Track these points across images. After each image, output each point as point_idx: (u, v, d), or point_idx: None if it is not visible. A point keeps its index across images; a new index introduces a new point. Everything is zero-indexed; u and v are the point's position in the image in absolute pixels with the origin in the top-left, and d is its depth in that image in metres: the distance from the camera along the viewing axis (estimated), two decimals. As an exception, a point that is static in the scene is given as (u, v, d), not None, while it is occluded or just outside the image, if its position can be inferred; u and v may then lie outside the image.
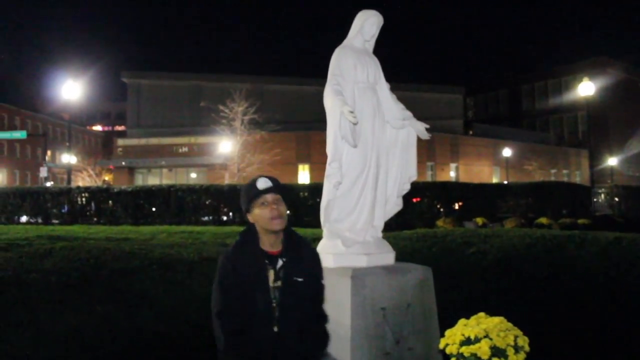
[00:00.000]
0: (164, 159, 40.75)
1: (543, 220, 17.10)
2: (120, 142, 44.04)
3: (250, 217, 2.69)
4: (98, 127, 78.15)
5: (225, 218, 19.15)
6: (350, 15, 4.14)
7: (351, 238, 3.86)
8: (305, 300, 2.57)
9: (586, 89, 24.78)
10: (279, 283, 2.55)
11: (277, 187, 2.66)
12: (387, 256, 3.98)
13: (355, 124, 3.69)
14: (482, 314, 3.24)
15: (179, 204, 19.07)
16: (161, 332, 5.53)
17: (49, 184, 33.39)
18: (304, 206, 17.72)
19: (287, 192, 2.76)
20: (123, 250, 8.46)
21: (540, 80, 61.17)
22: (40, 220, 19.48)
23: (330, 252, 3.80)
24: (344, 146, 3.78)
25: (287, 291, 2.54)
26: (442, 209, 19.82)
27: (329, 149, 3.77)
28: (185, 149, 41.19)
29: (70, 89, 24.81)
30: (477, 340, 2.98)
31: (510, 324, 3.08)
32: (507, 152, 42.02)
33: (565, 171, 51.40)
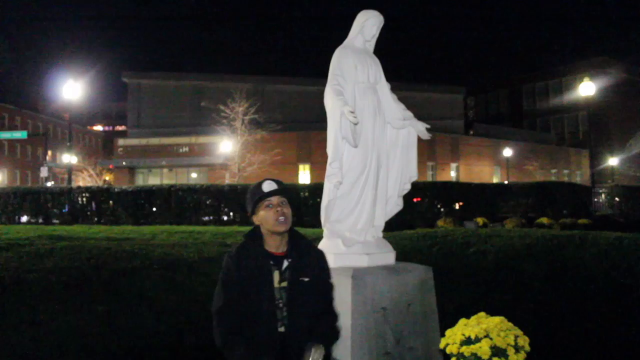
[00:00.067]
0: (164, 159, 40.76)
1: (543, 220, 17.11)
2: (121, 142, 44.04)
3: (256, 219, 2.71)
4: (99, 127, 78.19)
5: (225, 218, 19.18)
6: (351, 15, 4.14)
7: (352, 238, 3.86)
8: (313, 300, 2.59)
9: (587, 89, 24.78)
10: (284, 284, 2.58)
11: (283, 190, 2.69)
12: (388, 256, 3.99)
13: (355, 124, 3.69)
14: (482, 313, 3.25)
15: (179, 204, 19.09)
16: (161, 332, 5.53)
17: (49, 184, 33.44)
18: (305, 206, 17.73)
19: (292, 194, 2.78)
20: (123, 250, 8.47)
21: (541, 80, 61.12)
22: (40, 220, 19.50)
23: (331, 252, 3.80)
24: (345, 146, 3.78)
25: (293, 291, 2.57)
26: (442, 209, 19.84)
27: (330, 149, 3.78)
28: (185, 149, 41.20)
29: (71, 89, 24.82)
30: (478, 340, 2.98)
31: (510, 324, 3.09)
32: (507, 152, 42.00)
33: (565, 171, 51.37)
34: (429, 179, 38.98)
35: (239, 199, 18.62)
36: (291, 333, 2.53)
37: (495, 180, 44.06)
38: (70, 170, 28.21)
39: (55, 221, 19.37)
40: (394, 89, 4.17)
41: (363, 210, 3.87)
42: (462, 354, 2.99)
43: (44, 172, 29.10)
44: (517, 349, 2.96)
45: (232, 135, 31.67)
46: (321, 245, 3.90)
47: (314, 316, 2.58)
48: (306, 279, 2.59)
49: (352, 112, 3.58)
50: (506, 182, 33.92)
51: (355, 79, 3.90)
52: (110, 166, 42.84)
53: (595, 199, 24.96)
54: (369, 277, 3.59)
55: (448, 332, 3.16)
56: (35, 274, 6.60)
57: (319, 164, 32.99)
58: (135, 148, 42.07)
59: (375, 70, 4.00)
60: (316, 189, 18.03)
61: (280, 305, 2.55)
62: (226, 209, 19.29)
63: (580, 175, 50.98)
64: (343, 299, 3.48)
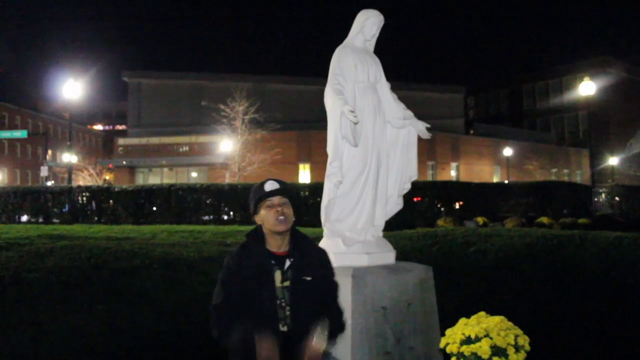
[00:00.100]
0: (164, 158, 40.78)
1: (544, 219, 17.10)
2: (121, 141, 44.05)
3: (257, 219, 2.72)
4: (99, 127, 78.17)
5: (225, 217, 19.18)
6: (351, 14, 4.14)
7: (352, 237, 3.86)
8: (316, 299, 2.60)
9: (587, 88, 24.79)
10: (287, 283, 2.58)
11: (284, 190, 2.70)
12: (388, 255, 3.99)
13: (356, 123, 3.69)
14: (482, 313, 3.24)
15: (179, 203, 19.10)
16: (162, 331, 5.53)
17: (49, 183, 33.45)
18: (305, 205, 17.73)
19: (294, 195, 2.79)
20: (124, 249, 8.47)
21: (541, 79, 61.11)
22: (41, 220, 19.50)
23: (331, 252, 3.79)
24: (345, 146, 3.78)
25: (296, 291, 2.57)
26: (442, 209, 19.84)
27: (330, 149, 3.78)
28: (186, 148, 41.20)
29: (71, 88, 24.83)
30: (478, 339, 2.98)
31: (510, 323, 3.08)
32: (507, 151, 42.01)
33: (566, 171, 51.37)
34: (429, 178, 38.99)
35: (239, 199, 18.63)
36: (295, 332, 2.54)
37: (495, 179, 44.07)
38: (70, 169, 28.23)
39: (55, 220, 19.37)
40: (394, 89, 4.17)
41: (363, 210, 3.87)
42: (462, 353, 2.99)
43: (44, 171, 29.11)
44: (517, 348, 2.96)
45: (232, 134, 31.68)
46: (321, 245, 3.90)
47: (317, 315, 2.58)
48: (308, 278, 2.60)
49: (352, 112, 3.58)
50: (506, 181, 33.92)
51: (356, 79, 3.89)
52: (110, 165, 42.86)
53: (595, 199, 24.96)
54: (369, 277, 3.59)
55: (448, 332, 3.16)
56: (35, 274, 6.60)
57: (319, 164, 32.97)
58: (136, 147, 42.07)
59: (375, 69, 4.00)
60: (316, 189, 18.03)
61: (283, 304, 2.56)
62: (226, 209, 19.29)
63: (581, 175, 51.00)
64: (343, 299, 3.47)
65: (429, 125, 4.10)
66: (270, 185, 2.69)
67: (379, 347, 3.51)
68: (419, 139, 4.14)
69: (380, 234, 4.05)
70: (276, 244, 2.67)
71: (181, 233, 12.66)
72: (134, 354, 5.01)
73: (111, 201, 19.61)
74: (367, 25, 4.03)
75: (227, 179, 30.86)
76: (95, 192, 20.08)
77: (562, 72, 58.49)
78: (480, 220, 17.15)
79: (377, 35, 4.13)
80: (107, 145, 60.99)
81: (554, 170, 49.04)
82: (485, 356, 2.91)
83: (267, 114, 32.09)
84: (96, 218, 19.32)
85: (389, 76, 4.13)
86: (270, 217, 2.63)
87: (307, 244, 2.74)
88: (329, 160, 3.75)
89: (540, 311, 6.12)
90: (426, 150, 38.96)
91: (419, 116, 4.13)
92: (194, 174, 41.47)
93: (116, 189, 19.99)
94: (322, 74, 4.11)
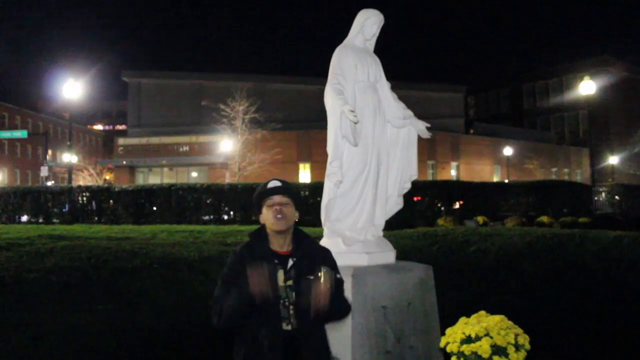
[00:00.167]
0: (164, 158, 40.76)
1: (544, 218, 17.09)
2: (121, 141, 44.04)
3: (261, 218, 2.74)
4: (99, 126, 78.18)
5: (226, 217, 19.17)
6: (352, 14, 4.14)
7: (352, 237, 3.86)
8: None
9: (587, 87, 24.77)
10: (290, 282, 2.60)
11: (285, 189, 2.70)
12: (388, 255, 3.99)
13: (356, 123, 3.69)
14: (482, 312, 3.24)
15: (179, 203, 19.09)
16: (162, 331, 5.53)
17: (49, 183, 33.45)
18: (305, 205, 17.73)
19: (297, 195, 2.79)
20: (124, 249, 8.46)
21: (542, 79, 61.08)
22: (41, 220, 19.49)
23: (331, 251, 3.80)
24: (345, 145, 3.78)
25: (299, 290, 2.58)
26: (442, 208, 19.83)
27: (330, 148, 3.78)
28: (186, 148, 41.20)
29: (71, 88, 24.83)
30: (478, 338, 2.98)
31: (511, 322, 3.09)
32: (508, 150, 42.00)
33: (566, 170, 51.35)
34: (429, 177, 38.97)
35: (239, 198, 18.62)
36: (300, 331, 2.56)
37: (495, 179, 44.06)
38: (70, 169, 28.23)
39: (55, 220, 19.36)
40: (394, 88, 4.17)
41: (363, 209, 3.87)
42: (462, 352, 2.99)
43: (44, 171, 29.09)
44: (518, 347, 2.96)
45: (233, 134, 31.67)
46: (321, 244, 3.91)
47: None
48: (311, 277, 2.61)
49: (352, 111, 3.58)
50: (506, 180, 33.93)
51: (356, 78, 3.89)
52: (109, 165, 42.86)
53: (596, 198, 24.96)
54: (369, 276, 3.59)
55: (448, 331, 3.16)
56: (35, 274, 6.60)
57: (319, 163, 32.97)
58: (136, 147, 42.07)
59: (375, 69, 4.00)
60: (316, 188, 18.02)
61: (286, 303, 2.57)
62: (226, 208, 19.28)
63: (581, 174, 50.99)
64: (343, 298, 3.49)
65: (429, 125, 4.10)
66: (272, 185, 2.71)
67: (379, 346, 3.51)
68: (419, 139, 4.15)
69: (381, 233, 4.04)
70: (278, 244, 2.67)
71: (181, 233, 12.66)
72: (134, 354, 5.01)
73: (111, 201, 19.61)
74: (367, 25, 4.03)
75: (228, 179, 30.86)
76: (96, 192, 20.08)
77: (562, 71, 58.46)
78: (480, 219, 17.14)
79: (377, 34, 4.13)
80: (107, 145, 61.00)
81: (554, 169, 49.03)
82: (486, 355, 2.91)
83: (268, 113, 32.08)
84: (96, 218, 19.32)
85: (389, 75, 4.13)
86: (270, 216, 2.65)
87: (309, 243, 2.75)
88: (329, 159, 3.75)
89: (541, 310, 6.12)
90: (426, 149, 38.94)
91: (419, 115, 4.13)
92: (194, 174, 41.47)
93: (116, 189, 19.99)
94: (322, 74, 4.11)
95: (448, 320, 3.52)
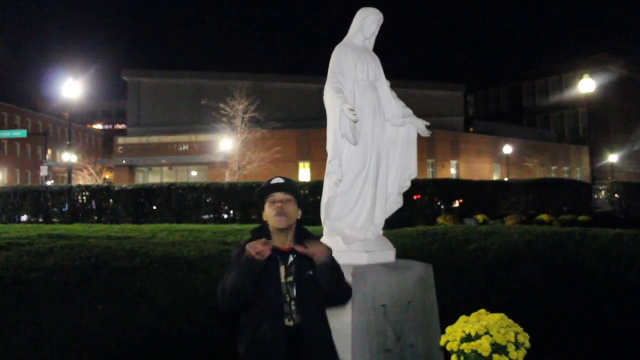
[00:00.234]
0: (164, 157, 40.75)
1: (543, 217, 17.09)
2: (121, 140, 44.03)
3: (264, 215, 2.76)
4: (98, 126, 78.16)
5: (225, 216, 19.17)
6: (351, 12, 4.13)
7: (351, 235, 3.86)
8: (320, 292, 2.62)
9: (587, 86, 24.76)
10: (290, 278, 2.62)
11: (286, 186, 2.72)
12: (388, 253, 3.99)
13: (355, 121, 3.69)
14: (482, 310, 3.25)
15: (179, 202, 19.09)
16: (162, 331, 5.53)
17: (49, 182, 33.40)
18: (305, 204, 17.69)
19: (299, 193, 2.81)
20: (124, 248, 8.44)
21: (541, 77, 61.06)
22: (40, 219, 19.49)
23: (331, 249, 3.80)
24: (345, 144, 3.78)
25: (300, 285, 2.61)
26: (442, 206, 19.83)
27: (330, 147, 3.77)
28: (185, 147, 41.19)
29: (71, 88, 24.80)
30: (478, 336, 2.98)
31: (510, 321, 3.09)
32: (507, 149, 42.00)
33: (565, 168, 51.37)
34: (429, 176, 38.96)
35: (239, 197, 18.62)
36: (303, 326, 2.58)
37: (495, 177, 44.07)
38: (70, 168, 28.21)
39: (55, 220, 19.36)
40: (393, 87, 4.16)
41: (363, 208, 3.87)
42: (462, 350, 3.00)
43: (43, 170, 29.07)
44: (517, 345, 2.97)
45: (232, 133, 31.66)
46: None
47: (322, 308, 2.63)
48: (311, 272, 2.62)
49: (351, 110, 3.58)
50: (506, 179, 33.96)
51: (355, 77, 3.89)
52: (108, 165, 42.84)
53: (595, 196, 24.95)
54: (369, 275, 3.59)
55: (448, 329, 3.16)
56: (35, 273, 6.58)
57: (319, 162, 32.95)
58: (135, 146, 42.06)
59: (374, 67, 4.00)
60: (316, 187, 18.01)
61: (288, 299, 2.58)
62: (226, 207, 19.28)
63: (580, 172, 51.00)
64: (343, 297, 3.48)
65: (428, 123, 4.10)
66: (275, 182, 2.74)
67: (379, 344, 3.51)
68: (419, 137, 4.15)
69: (380, 232, 4.05)
70: (280, 240, 2.69)
71: (181, 232, 12.65)
72: (134, 354, 5.00)
73: (111, 200, 19.60)
74: (367, 23, 4.03)
75: (227, 178, 30.84)
76: (95, 192, 20.07)
77: (562, 69, 58.45)
78: (480, 217, 17.14)
79: (376, 33, 4.13)
80: (107, 145, 60.99)
81: (554, 167, 49.05)
82: (486, 353, 2.91)
83: (267, 112, 32.08)
84: (96, 217, 19.32)
85: (389, 74, 4.13)
86: (271, 213, 2.67)
87: (309, 239, 2.76)
88: (329, 158, 3.75)
89: (540, 308, 6.12)
90: (426, 148, 38.94)
91: (419, 114, 4.12)
92: (193, 173, 41.47)
93: (116, 188, 19.98)
94: (321, 73, 4.11)
95: (448, 318, 3.52)
